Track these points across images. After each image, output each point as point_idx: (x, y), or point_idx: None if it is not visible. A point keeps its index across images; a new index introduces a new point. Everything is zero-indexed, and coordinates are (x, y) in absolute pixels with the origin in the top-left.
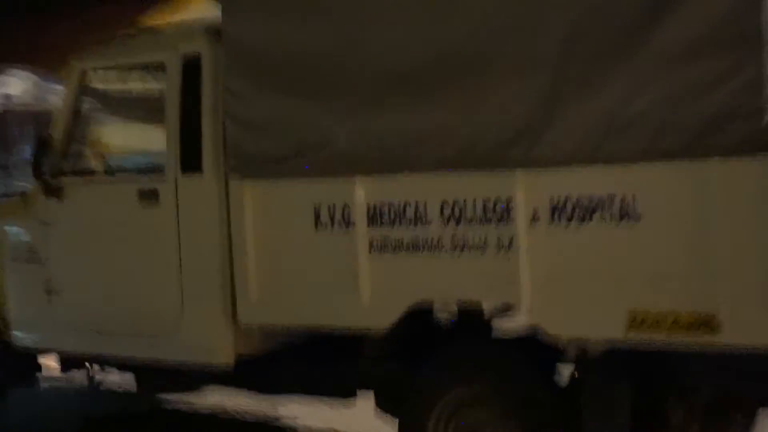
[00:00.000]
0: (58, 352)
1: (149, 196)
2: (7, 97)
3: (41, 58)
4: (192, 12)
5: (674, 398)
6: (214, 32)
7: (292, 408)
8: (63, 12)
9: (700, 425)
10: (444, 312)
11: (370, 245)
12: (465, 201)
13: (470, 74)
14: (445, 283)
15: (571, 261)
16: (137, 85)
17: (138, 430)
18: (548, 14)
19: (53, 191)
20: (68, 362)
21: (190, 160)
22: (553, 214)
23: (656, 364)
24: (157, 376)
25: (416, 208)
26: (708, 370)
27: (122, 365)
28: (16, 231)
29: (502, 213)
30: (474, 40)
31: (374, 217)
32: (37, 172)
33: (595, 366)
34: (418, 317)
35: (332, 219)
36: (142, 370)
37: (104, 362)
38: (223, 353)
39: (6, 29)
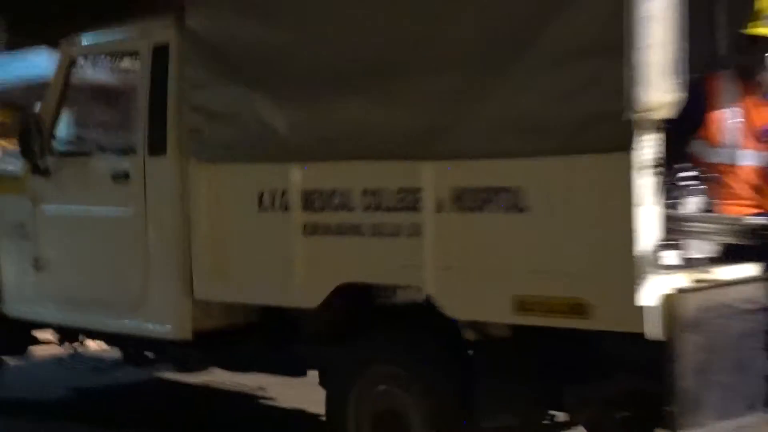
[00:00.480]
0: (48, 325)
1: (121, 176)
2: None
3: None
4: None
5: (573, 386)
6: (182, 23)
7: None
8: None
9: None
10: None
11: (304, 228)
12: (382, 190)
13: (389, 76)
14: (366, 266)
15: (468, 248)
16: (119, 70)
17: (123, 402)
18: (451, 27)
19: (40, 170)
20: (65, 335)
21: (157, 142)
22: (455, 203)
23: (560, 351)
24: (138, 349)
25: (342, 195)
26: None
27: (106, 338)
28: (9, 208)
29: (413, 201)
30: (392, 47)
31: (307, 202)
32: (26, 151)
33: (494, 350)
34: (357, 298)
35: (273, 203)
36: (126, 343)
37: (87, 335)
38: (182, 327)
39: None
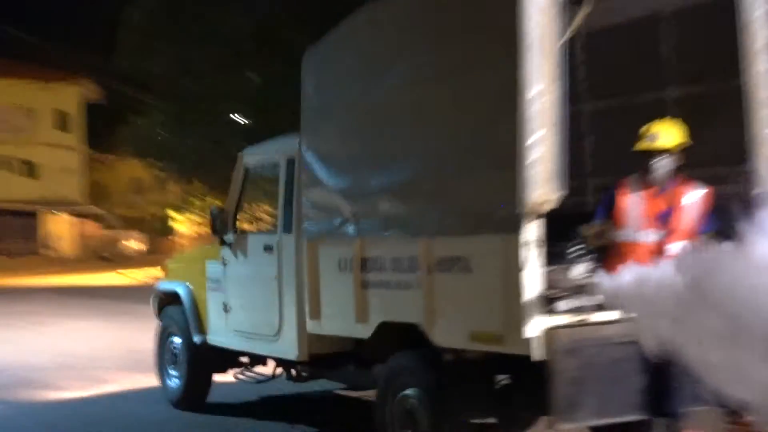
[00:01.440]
0: (233, 350)
1: (268, 248)
2: None
3: None
4: None
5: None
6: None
7: None
8: None
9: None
10: None
11: (361, 284)
12: (402, 254)
13: (399, 191)
14: (394, 309)
15: (443, 296)
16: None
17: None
18: (415, 148)
19: (225, 243)
20: (254, 358)
21: (288, 225)
22: (440, 266)
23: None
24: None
25: (380, 261)
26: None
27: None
28: (211, 269)
29: (425, 264)
30: (399, 176)
31: (363, 266)
32: (215, 230)
33: (461, 368)
34: (402, 332)
35: (345, 266)
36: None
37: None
38: (302, 352)
39: None
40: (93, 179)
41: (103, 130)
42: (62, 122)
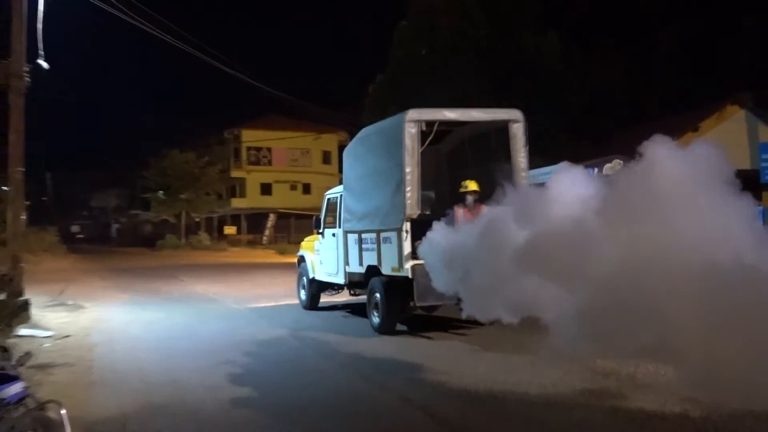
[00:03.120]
0: (324, 282)
1: (334, 234)
2: None
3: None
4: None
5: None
6: None
7: None
8: (641, 119)
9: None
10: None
11: (360, 248)
12: (372, 236)
13: (375, 213)
14: (371, 259)
15: (384, 254)
16: (336, 201)
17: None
18: (376, 195)
19: (320, 233)
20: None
21: (340, 224)
22: (381, 241)
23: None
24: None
25: (367, 238)
26: None
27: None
28: (316, 245)
29: (377, 240)
30: (374, 201)
31: (360, 241)
32: (316, 228)
33: (392, 284)
34: (374, 270)
35: (356, 241)
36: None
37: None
38: (346, 280)
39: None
40: None
41: None
42: (326, 158)
